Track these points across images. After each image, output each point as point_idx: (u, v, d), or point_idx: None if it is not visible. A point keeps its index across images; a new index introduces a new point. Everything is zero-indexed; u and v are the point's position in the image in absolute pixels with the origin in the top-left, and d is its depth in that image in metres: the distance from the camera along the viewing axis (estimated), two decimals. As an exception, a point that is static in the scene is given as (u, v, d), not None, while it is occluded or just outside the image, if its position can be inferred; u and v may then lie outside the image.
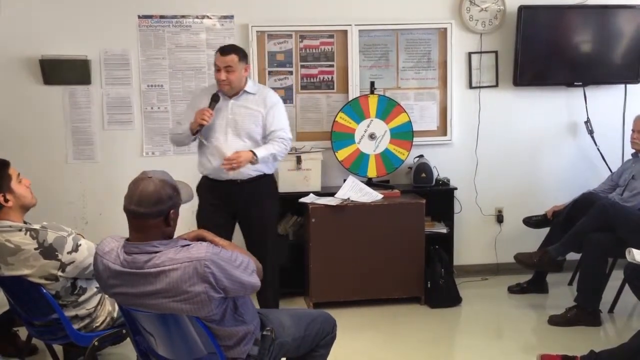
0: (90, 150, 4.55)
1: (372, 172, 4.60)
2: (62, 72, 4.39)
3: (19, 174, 2.88)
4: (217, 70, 3.59)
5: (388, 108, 4.55)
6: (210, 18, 4.55)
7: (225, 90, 3.64)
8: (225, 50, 3.59)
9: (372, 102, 4.54)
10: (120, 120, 4.54)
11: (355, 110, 4.53)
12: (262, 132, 3.70)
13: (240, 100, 3.69)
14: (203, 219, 3.77)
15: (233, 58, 3.57)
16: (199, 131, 3.60)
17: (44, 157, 4.48)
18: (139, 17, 4.47)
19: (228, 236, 3.66)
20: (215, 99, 3.61)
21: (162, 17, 4.50)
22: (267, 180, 3.80)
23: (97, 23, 4.43)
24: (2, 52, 4.37)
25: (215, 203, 3.75)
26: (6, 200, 2.78)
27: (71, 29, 4.41)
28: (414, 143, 4.60)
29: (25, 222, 2.86)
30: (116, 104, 4.53)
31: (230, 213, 3.80)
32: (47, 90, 4.44)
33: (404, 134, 4.58)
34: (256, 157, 3.56)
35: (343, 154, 4.55)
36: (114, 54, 4.48)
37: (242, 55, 3.64)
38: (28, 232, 2.75)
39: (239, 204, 3.74)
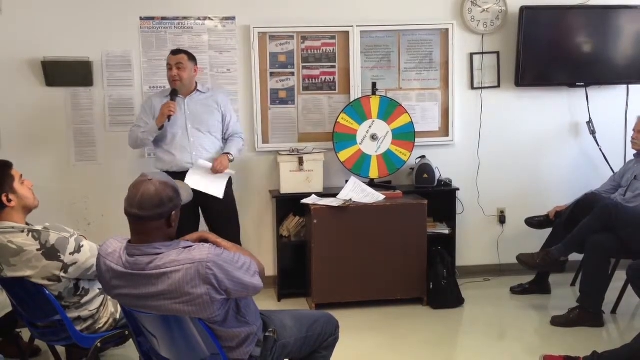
0: (92, 152, 4.55)
1: (374, 173, 4.59)
2: (64, 73, 4.40)
3: (21, 175, 2.88)
4: (170, 68, 4.05)
5: (390, 109, 4.55)
6: (212, 19, 4.55)
7: (177, 86, 4.05)
8: (175, 51, 4.10)
9: (374, 103, 4.54)
10: (122, 122, 4.53)
11: (357, 111, 4.53)
12: (222, 130, 4.21)
13: (194, 99, 4.14)
14: None
15: (183, 57, 4.06)
16: (163, 125, 4.00)
17: (47, 159, 4.49)
18: (141, 18, 4.48)
19: (195, 229, 3.91)
20: (175, 93, 4.04)
21: (163, 18, 4.50)
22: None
23: (99, 25, 4.43)
24: (4, 54, 4.37)
25: None
26: (9, 201, 2.79)
27: (73, 30, 4.41)
28: (416, 144, 4.60)
29: (27, 224, 2.86)
30: (118, 106, 4.53)
31: (194, 205, 3.95)
32: (49, 92, 4.45)
33: (406, 135, 4.58)
34: (232, 156, 4.16)
35: (345, 154, 4.55)
36: (115, 56, 4.49)
37: (191, 56, 4.12)
38: (30, 233, 2.75)
39: (202, 196, 4.00)
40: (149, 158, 4.56)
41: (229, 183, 4.23)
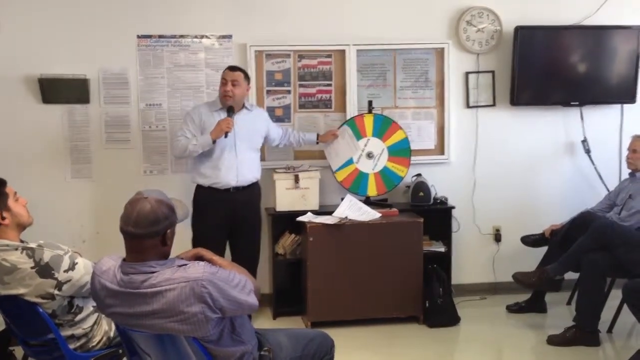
0: (88, 169, 4.55)
1: (372, 190, 4.60)
2: (61, 91, 4.41)
3: (15, 193, 2.87)
4: (224, 83, 4.02)
5: (384, 126, 4.57)
6: (209, 38, 4.58)
7: (228, 103, 4.02)
8: (234, 67, 4.10)
9: (368, 121, 4.56)
10: (118, 139, 4.55)
11: (352, 129, 4.54)
12: (262, 143, 4.30)
13: (243, 116, 4.10)
14: (202, 232, 4.06)
15: (240, 75, 4.06)
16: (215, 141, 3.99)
17: (43, 176, 4.48)
18: (138, 36, 4.50)
19: (222, 249, 4.08)
20: (232, 110, 4.02)
21: (160, 36, 4.52)
22: (257, 186, 4.28)
23: (96, 42, 4.45)
24: (1, 71, 4.37)
25: (215, 215, 4.07)
26: (3, 218, 2.77)
27: (70, 48, 4.43)
28: (411, 162, 4.61)
29: (21, 241, 2.85)
30: (115, 123, 4.54)
31: (227, 224, 4.12)
32: (45, 109, 4.45)
33: (402, 151, 4.59)
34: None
35: (342, 174, 4.56)
36: (112, 73, 4.50)
37: (246, 75, 4.14)
38: (24, 251, 2.73)
39: (238, 211, 4.11)
40: (144, 175, 4.56)
41: (260, 193, 4.33)
